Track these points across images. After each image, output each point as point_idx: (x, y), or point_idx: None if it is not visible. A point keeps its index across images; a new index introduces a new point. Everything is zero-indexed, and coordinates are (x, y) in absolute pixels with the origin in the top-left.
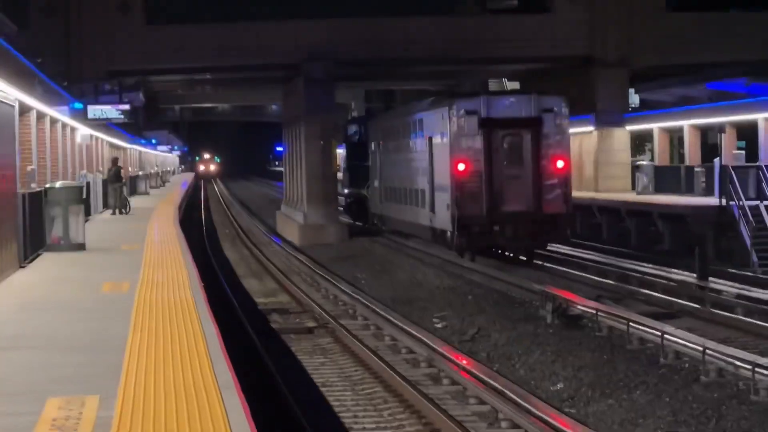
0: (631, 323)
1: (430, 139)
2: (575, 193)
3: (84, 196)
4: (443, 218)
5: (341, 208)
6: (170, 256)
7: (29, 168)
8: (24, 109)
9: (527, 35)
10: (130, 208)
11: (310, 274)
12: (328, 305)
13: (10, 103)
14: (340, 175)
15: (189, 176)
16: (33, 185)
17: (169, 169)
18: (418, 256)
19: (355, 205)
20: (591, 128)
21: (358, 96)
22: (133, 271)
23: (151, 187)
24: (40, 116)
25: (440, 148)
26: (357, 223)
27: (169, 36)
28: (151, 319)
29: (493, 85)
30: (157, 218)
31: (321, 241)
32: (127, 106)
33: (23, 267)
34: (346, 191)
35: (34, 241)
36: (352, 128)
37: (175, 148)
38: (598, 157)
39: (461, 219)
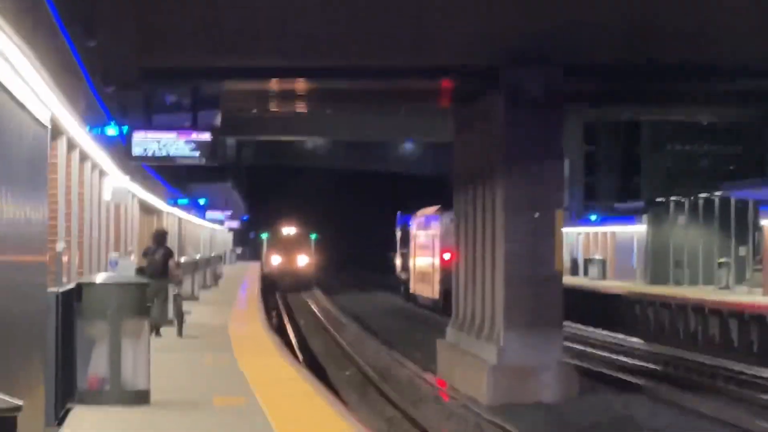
0: None
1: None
2: None
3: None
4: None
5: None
6: (322, 424)
7: (57, 244)
8: (53, 135)
9: None
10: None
11: None
12: None
13: (43, 122)
14: (398, 261)
15: (249, 271)
16: (64, 280)
17: (217, 254)
18: None
19: (404, 287)
20: None
21: (573, 132)
22: None
23: (201, 288)
24: (70, 148)
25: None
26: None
27: (253, 12)
28: None
29: None
30: (245, 346)
31: (529, 397)
32: (207, 136)
33: None
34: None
35: (64, 384)
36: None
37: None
38: None
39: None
